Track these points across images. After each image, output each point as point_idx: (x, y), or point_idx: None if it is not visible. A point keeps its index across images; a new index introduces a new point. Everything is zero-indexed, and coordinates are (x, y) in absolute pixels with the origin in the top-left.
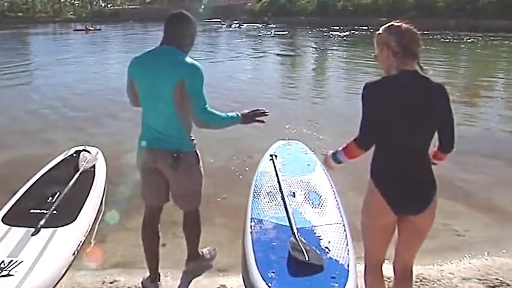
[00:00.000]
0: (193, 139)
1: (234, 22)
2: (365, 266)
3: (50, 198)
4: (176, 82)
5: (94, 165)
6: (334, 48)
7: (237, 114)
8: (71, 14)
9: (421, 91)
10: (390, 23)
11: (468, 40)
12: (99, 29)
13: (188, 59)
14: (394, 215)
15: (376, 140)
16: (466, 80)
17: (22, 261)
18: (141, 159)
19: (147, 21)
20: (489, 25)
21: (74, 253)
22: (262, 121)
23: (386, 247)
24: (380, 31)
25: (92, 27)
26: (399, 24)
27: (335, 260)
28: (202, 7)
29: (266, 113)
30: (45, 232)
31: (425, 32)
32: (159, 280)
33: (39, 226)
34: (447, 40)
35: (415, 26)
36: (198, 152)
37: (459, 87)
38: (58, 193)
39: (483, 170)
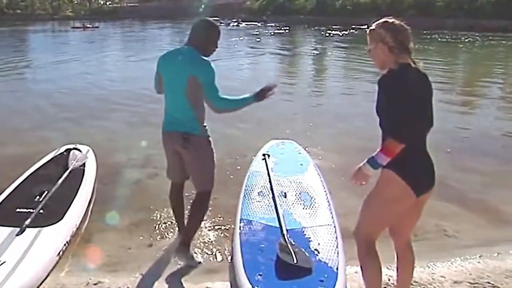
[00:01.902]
0: (205, 126)
1: (233, 20)
2: (361, 250)
3: (38, 197)
4: (188, 77)
5: (84, 164)
6: (332, 47)
7: (250, 96)
8: (70, 12)
9: (422, 81)
10: (383, 20)
11: (466, 40)
12: (97, 27)
13: (201, 59)
14: (415, 198)
15: (415, 131)
16: (463, 80)
17: (4, 262)
18: (163, 141)
19: (145, 19)
20: (487, 24)
21: (59, 254)
22: (273, 93)
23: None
24: (373, 27)
25: (90, 24)
26: (393, 20)
27: (324, 262)
28: (202, 6)
29: (275, 86)
30: (30, 232)
31: (423, 31)
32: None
33: (24, 226)
34: (444, 40)
35: (413, 25)
36: (210, 138)
37: (456, 87)
38: (46, 192)
39: (477, 170)
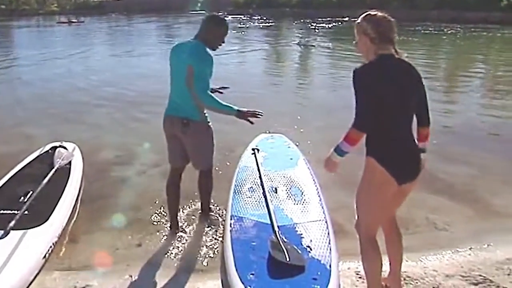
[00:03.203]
0: (205, 113)
1: (219, 13)
2: (363, 243)
3: (22, 198)
4: (187, 66)
5: (70, 162)
6: (319, 39)
7: (234, 108)
8: (55, 7)
9: (401, 71)
10: (367, 13)
11: (449, 32)
12: (83, 22)
13: (202, 51)
14: (397, 186)
15: (373, 120)
16: (447, 72)
17: None
18: (164, 125)
19: (131, 13)
20: (469, 16)
21: (45, 256)
22: (252, 122)
23: (385, 218)
24: (358, 20)
25: (75, 19)
26: (375, 13)
27: (317, 260)
28: (199, 5)
29: (260, 115)
30: (14, 235)
31: (407, 23)
32: (177, 229)
33: (8, 228)
34: (428, 32)
35: (398, 17)
36: (210, 124)
37: (440, 79)
38: (31, 192)
39: (464, 161)
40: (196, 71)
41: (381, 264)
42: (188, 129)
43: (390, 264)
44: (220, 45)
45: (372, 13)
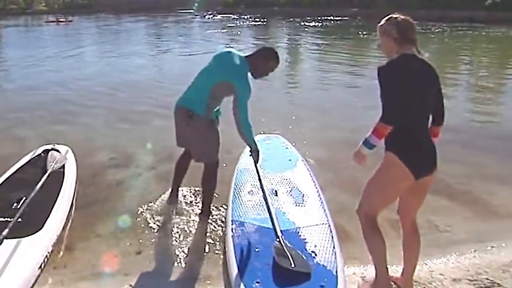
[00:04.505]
0: (211, 112)
1: (208, 13)
2: (364, 224)
3: (15, 205)
4: (224, 80)
5: (63, 165)
6: (309, 38)
7: (256, 146)
8: (43, 6)
9: (423, 70)
10: (389, 16)
11: (436, 31)
12: (71, 21)
13: (245, 76)
14: (413, 180)
15: (401, 114)
16: (438, 71)
17: None
18: (174, 113)
19: (120, 12)
20: (455, 15)
21: (40, 266)
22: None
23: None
24: (382, 23)
25: (64, 18)
26: (397, 16)
27: (323, 265)
28: (196, 4)
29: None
30: (8, 244)
31: None
32: (177, 196)
33: (1, 237)
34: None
35: (384, 16)
36: (214, 121)
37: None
38: (24, 199)
39: (460, 161)
40: (240, 96)
41: (385, 247)
42: (191, 121)
43: (404, 266)
44: (262, 76)
45: (394, 16)
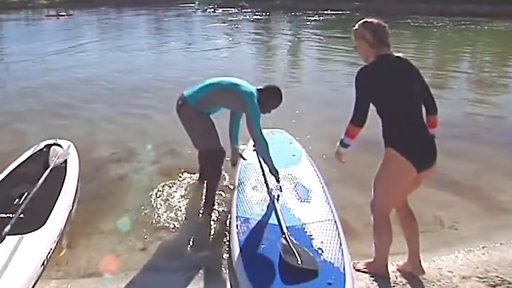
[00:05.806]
0: (203, 107)
1: (209, 6)
2: (377, 219)
3: (17, 200)
4: (235, 90)
5: (66, 160)
6: (311, 32)
7: (274, 166)
8: (44, 0)
9: (401, 67)
10: (363, 20)
11: (438, 25)
12: (71, 15)
13: (254, 96)
14: (416, 173)
15: (366, 117)
16: (440, 65)
17: None
18: None
19: (121, 6)
20: (456, 9)
21: (43, 263)
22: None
23: (400, 202)
24: (356, 27)
25: (64, 12)
26: (372, 20)
27: (330, 262)
28: (197, 2)
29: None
30: (10, 240)
31: (397, 17)
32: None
33: (3, 233)
34: (417, 24)
35: (387, 10)
36: (202, 112)
37: (433, 72)
38: (26, 194)
39: (465, 155)
40: (250, 112)
41: (390, 242)
42: (181, 108)
43: (409, 251)
44: (265, 113)
45: (369, 20)
